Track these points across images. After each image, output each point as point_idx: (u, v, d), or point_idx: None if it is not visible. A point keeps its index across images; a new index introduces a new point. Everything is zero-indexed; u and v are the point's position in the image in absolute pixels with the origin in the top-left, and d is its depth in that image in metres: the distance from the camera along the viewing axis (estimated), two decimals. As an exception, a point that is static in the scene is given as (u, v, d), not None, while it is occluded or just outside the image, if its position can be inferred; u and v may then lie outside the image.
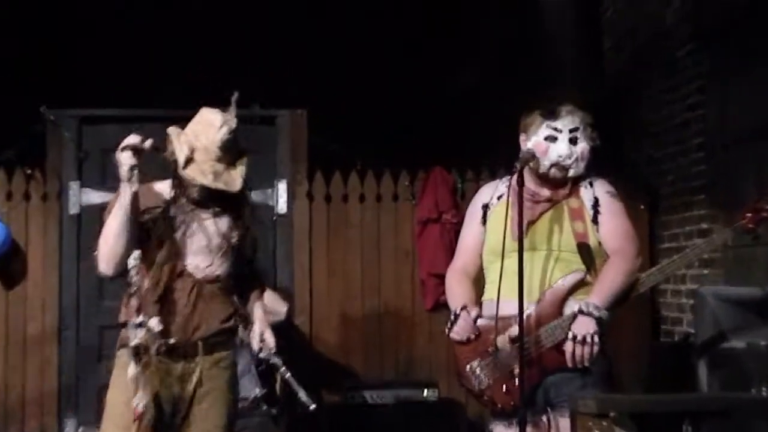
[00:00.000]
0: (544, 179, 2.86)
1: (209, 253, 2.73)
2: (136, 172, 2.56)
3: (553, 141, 2.82)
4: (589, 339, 2.68)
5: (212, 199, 2.72)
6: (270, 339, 2.82)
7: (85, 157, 4.69)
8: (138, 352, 2.59)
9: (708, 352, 3.37)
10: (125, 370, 2.66)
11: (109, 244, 2.61)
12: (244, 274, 2.86)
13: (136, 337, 2.58)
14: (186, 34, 5.16)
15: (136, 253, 2.59)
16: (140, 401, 2.57)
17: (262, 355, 2.78)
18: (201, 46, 5.11)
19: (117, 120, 4.65)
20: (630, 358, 4.49)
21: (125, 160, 2.54)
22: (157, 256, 2.67)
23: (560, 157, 2.81)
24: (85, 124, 4.71)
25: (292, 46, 5.30)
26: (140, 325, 2.58)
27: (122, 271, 2.64)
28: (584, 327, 2.69)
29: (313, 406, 2.82)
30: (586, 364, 2.71)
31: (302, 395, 2.78)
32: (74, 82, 4.86)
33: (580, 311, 2.70)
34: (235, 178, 2.69)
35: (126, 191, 2.57)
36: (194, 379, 2.70)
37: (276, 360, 2.76)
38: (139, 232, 2.64)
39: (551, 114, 2.84)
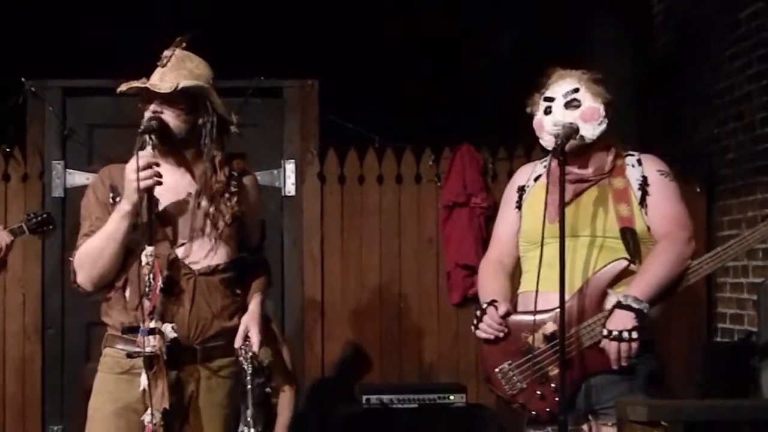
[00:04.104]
0: (580, 156, 2.84)
1: (204, 238, 2.67)
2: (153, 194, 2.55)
3: (550, 112, 2.83)
4: (626, 335, 2.67)
5: (170, 146, 2.64)
6: (255, 338, 2.70)
7: (70, 133, 4.71)
8: (151, 362, 2.55)
9: (773, 353, 3.36)
10: (112, 375, 2.65)
11: (99, 266, 2.59)
12: (248, 264, 2.80)
13: (149, 344, 2.54)
14: (182, -4, 5.15)
15: (150, 250, 2.55)
16: (153, 418, 2.54)
17: (240, 356, 2.71)
18: (198, 9, 5.09)
19: (105, 92, 4.62)
20: (682, 360, 4.47)
21: (144, 183, 2.51)
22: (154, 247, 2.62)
23: (555, 126, 2.80)
24: (70, 96, 4.73)
25: (300, 7, 5.27)
26: (153, 331, 2.54)
27: (105, 286, 2.63)
28: (621, 322, 2.68)
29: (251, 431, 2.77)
30: (625, 363, 2.69)
31: (249, 414, 2.71)
32: (58, 50, 4.87)
33: (618, 304, 2.69)
34: (166, 80, 2.61)
35: (126, 209, 2.55)
36: (190, 389, 2.66)
37: (246, 365, 2.69)
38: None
39: (543, 86, 2.87)
